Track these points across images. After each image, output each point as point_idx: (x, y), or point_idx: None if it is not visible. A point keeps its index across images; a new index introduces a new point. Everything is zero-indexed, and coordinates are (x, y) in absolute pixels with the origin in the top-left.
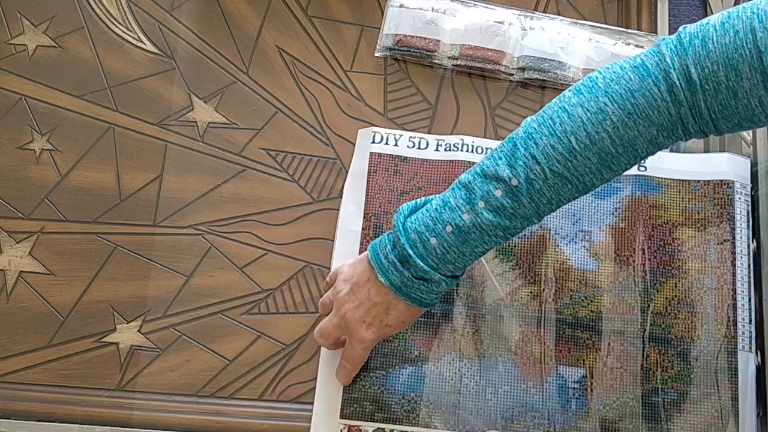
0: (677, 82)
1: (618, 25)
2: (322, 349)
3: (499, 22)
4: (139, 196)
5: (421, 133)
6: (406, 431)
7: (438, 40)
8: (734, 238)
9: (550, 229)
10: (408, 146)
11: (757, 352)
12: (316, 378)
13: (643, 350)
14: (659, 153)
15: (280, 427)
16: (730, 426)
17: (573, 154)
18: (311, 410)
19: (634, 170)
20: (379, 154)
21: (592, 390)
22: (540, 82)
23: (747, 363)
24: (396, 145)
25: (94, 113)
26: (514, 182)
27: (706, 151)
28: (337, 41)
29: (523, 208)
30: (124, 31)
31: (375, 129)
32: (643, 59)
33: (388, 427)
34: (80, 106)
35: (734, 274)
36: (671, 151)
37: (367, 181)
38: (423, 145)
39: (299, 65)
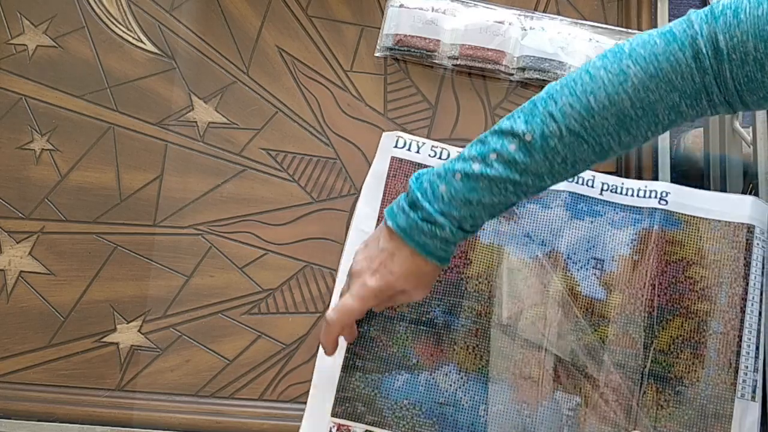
0: (703, 49)
1: (618, 25)
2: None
3: (499, 22)
4: (139, 196)
5: (444, 144)
6: None
7: (438, 40)
8: (747, 284)
9: (562, 253)
10: (429, 155)
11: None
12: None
13: (641, 386)
14: (683, 188)
15: (280, 427)
16: None
17: (591, 113)
18: None
19: (654, 203)
20: (400, 159)
21: (585, 420)
22: (540, 82)
23: (744, 411)
24: (418, 152)
25: (94, 113)
26: (528, 137)
27: (726, 190)
28: (337, 41)
29: (536, 165)
30: (124, 31)
31: (399, 134)
32: (671, 26)
33: (377, 430)
34: (80, 106)
35: (742, 321)
36: (697, 186)
37: (386, 184)
38: (444, 155)
39: (299, 65)
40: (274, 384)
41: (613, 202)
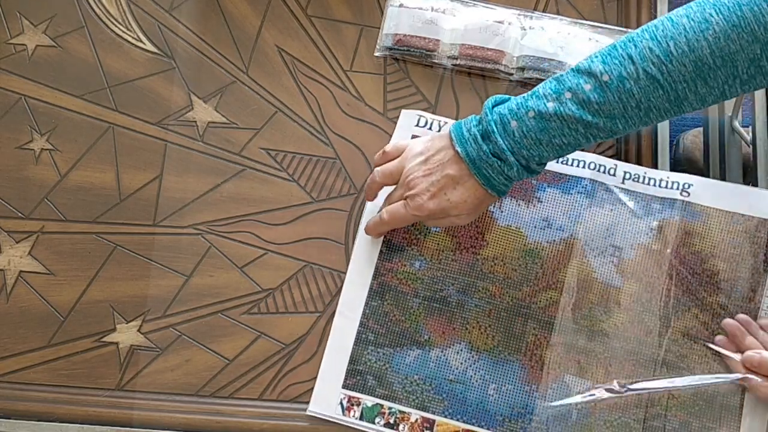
0: None
1: (618, 25)
2: (336, 317)
3: (499, 22)
4: (139, 195)
5: None
6: (404, 411)
7: (438, 40)
8: (764, 279)
9: (580, 239)
10: None
11: None
12: (316, 377)
13: (653, 374)
14: (707, 180)
15: (280, 427)
16: None
17: (669, 58)
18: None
19: (676, 194)
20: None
21: (595, 405)
22: (539, 82)
23: (755, 404)
24: (439, 130)
25: (93, 113)
26: (605, 78)
27: (756, 185)
28: (337, 41)
29: (609, 107)
30: (123, 31)
31: (420, 113)
32: None
33: (386, 404)
34: (80, 105)
35: (756, 317)
36: (720, 179)
37: None
38: None
39: (299, 65)
40: (273, 384)
41: (634, 191)
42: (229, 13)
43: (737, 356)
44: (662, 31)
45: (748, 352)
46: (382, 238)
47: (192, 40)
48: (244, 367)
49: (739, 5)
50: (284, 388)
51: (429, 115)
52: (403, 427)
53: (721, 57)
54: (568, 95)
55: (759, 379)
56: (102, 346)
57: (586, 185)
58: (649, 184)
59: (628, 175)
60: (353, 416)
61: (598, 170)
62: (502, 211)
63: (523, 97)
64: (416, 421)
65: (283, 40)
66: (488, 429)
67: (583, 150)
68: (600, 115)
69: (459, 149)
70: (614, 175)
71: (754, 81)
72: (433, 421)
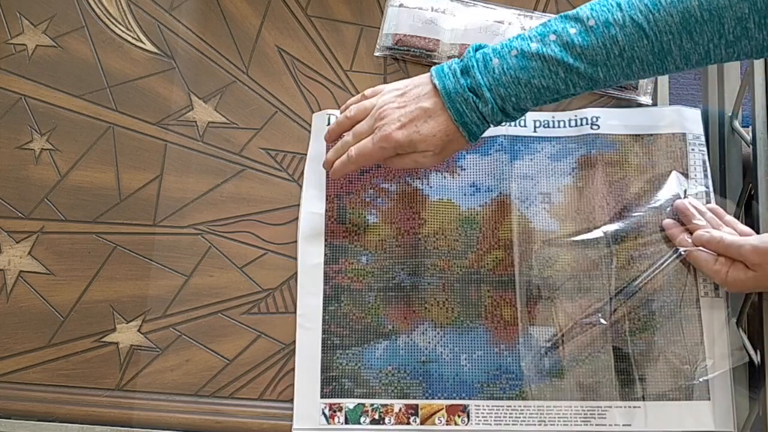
0: None
1: None
2: (298, 331)
3: (499, 22)
4: (139, 195)
5: None
6: (386, 404)
7: (438, 40)
8: (686, 190)
9: (509, 195)
10: None
11: (756, 351)
12: None
13: (610, 305)
14: (611, 111)
15: (279, 426)
16: (699, 370)
17: (657, 7)
18: None
19: (587, 130)
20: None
21: (564, 348)
22: None
23: (711, 308)
24: None
25: (93, 113)
26: (591, 22)
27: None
28: (337, 41)
29: (593, 51)
30: (123, 31)
31: (329, 111)
32: None
33: (367, 401)
34: (80, 105)
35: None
36: (624, 107)
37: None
38: None
39: (299, 65)
40: (273, 384)
41: (548, 137)
42: (229, 13)
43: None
44: None
45: (698, 231)
46: (322, 242)
47: (192, 40)
48: (244, 367)
49: None
50: (284, 388)
51: (339, 113)
52: (389, 420)
53: (709, 11)
54: (552, 37)
55: (704, 252)
56: (102, 346)
57: (502, 142)
58: (559, 126)
59: (538, 123)
60: (338, 422)
61: (511, 125)
62: (431, 186)
63: (509, 38)
64: (400, 410)
65: (283, 40)
66: (470, 399)
67: (558, 102)
68: (582, 59)
69: (437, 82)
70: (525, 125)
71: (740, 44)
72: (416, 405)
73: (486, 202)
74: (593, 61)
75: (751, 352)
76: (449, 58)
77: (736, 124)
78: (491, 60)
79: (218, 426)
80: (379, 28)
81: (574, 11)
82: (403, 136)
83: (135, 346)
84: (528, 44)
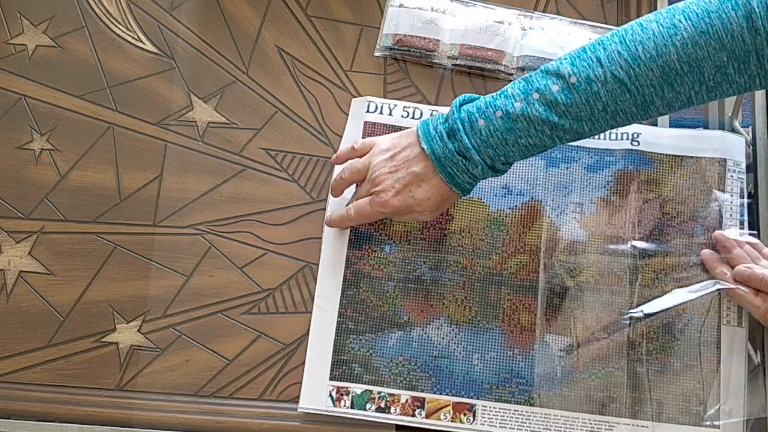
0: (757, 9)
1: (618, 25)
2: (314, 311)
3: (499, 22)
4: (139, 195)
5: (415, 103)
6: (393, 393)
7: (438, 40)
8: (722, 216)
9: (541, 201)
10: (402, 116)
11: (756, 351)
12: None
13: (631, 321)
14: (653, 129)
15: (279, 426)
16: (712, 397)
17: (637, 62)
18: None
19: (627, 145)
20: (373, 123)
21: (578, 359)
22: None
23: (732, 337)
24: (390, 114)
25: (93, 113)
26: (573, 79)
27: (704, 127)
28: (337, 41)
29: (576, 108)
30: (123, 31)
31: (370, 98)
32: None
33: (375, 389)
34: (80, 105)
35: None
36: (666, 126)
37: None
38: (417, 115)
39: (299, 65)
40: (273, 384)
41: (586, 147)
42: (229, 13)
43: (728, 270)
44: (631, 35)
45: (740, 266)
46: (349, 228)
47: (192, 40)
48: (244, 367)
49: (707, 12)
50: (284, 388)
51: (378, 100)
52: (395, 410)
53: (688, 63)
54: (535, 96)
55: (746, 290)
56: (102, 346)
57: None
58: (599, 138)
59: None
60: (344, 406)
61: None
62: None
63: (492, 96)
64: (406, 401)
65: (283, 40)
66: (477, 398)
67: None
68: (567, 116)
69: (425, 146)
70: None
71: (720, 88)
72: (423, 398)
73: (516, 206)
74: (578, 117)
75: (752, 352)
76: (449, 57)
77: (736, 124)
78: (477, 121)
79: (218, 426)
80: (379, 28)
81: (555, 66)
82: (399, 202)
83: (135, 346)
84: (512, 104)
